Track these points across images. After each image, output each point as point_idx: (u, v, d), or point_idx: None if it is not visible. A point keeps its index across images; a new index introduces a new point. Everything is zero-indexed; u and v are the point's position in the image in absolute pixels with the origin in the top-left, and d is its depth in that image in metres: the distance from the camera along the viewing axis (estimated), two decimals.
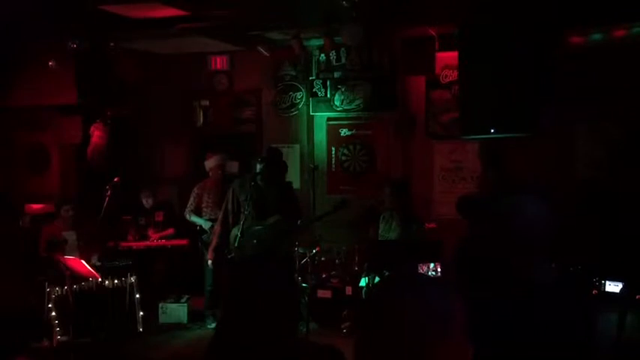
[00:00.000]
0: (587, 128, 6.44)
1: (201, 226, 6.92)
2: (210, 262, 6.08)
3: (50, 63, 6.64)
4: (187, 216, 7.05)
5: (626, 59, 6.21)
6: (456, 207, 3.53)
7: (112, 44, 7.08)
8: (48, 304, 5.91)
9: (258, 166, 5.54)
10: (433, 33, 7.08)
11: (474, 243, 2.36)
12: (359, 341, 1.36)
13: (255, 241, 5.46)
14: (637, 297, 4.12)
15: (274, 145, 6.51)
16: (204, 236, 6.88)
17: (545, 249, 2.14)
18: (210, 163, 7.02)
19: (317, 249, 6.78)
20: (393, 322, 1.31)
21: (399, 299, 1.35)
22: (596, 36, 6.55)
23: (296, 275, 6.11)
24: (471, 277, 2.65)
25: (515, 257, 2.06)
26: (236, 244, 5.36)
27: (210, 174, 7.04)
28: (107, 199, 6.29)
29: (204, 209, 7.00)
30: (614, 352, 3.60)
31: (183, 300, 6.99)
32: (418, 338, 1.27)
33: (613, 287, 4.33)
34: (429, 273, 4.27)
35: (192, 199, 7.07)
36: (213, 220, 6.77)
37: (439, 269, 4.23)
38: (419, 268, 4.21)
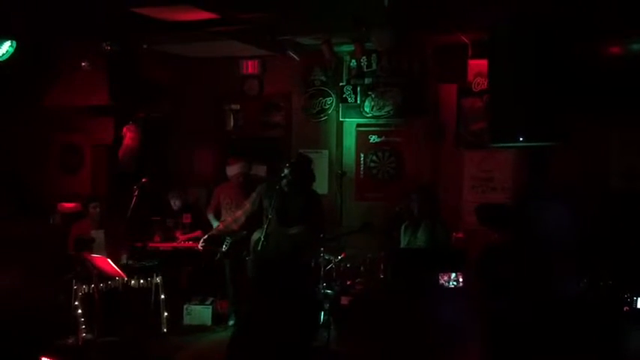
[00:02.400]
0: (622, 138, 6.27)
1: None
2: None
3: (83, 64, 6.76)
4: (207, 215, 7.18)
5: None
6: (476, 214, 3.45)
7: (144, 46, 7.17)
8: (74, 301, 5.98)
9: (285, 171, 5.48)
10: (466, 40, 6.99)
11: (497, 251, 2.30)
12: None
13: (275, 247, 5.41)
14: None
15: (304, 151, 6.49)
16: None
17: (570, 260, 2.07)
18: (231, 170, 7.05)
19: (342, 255, 6.74)
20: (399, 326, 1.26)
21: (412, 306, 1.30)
22: (636, 45, 6.39)
23: (318, 284, 6.07)
24: (492, 286, 2.58)
25: (538, 266, 1.99)
26: (259, 248, 5.32)
27: (231, 179, 7.08)
28: (135, 199, 6.35)
29: (223, 210, 7.07)
30: None
31: (208, 302, 7.01)
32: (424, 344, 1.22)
33: None
34: (451, 283, 4.18)
35: (212, 199, 7.23)
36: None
37: (461, 279, 4.14)
38: (440, 277, 4.13)
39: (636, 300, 4.27)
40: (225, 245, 6.83)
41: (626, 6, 5.35)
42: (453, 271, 4.07)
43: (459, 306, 1.21)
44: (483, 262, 2.91)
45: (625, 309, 4.28)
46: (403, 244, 5.79)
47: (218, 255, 6.78)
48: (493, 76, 5.60)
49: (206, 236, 6.14)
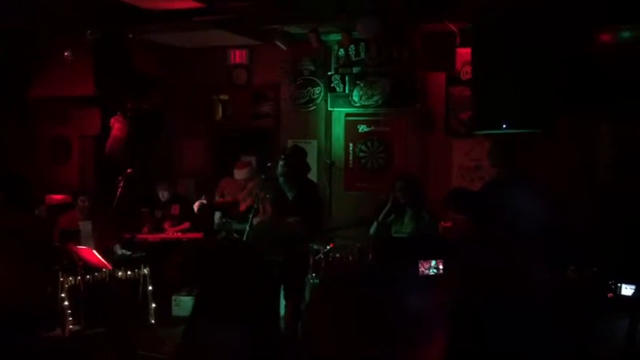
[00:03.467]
0: (609, 128, 6.25)
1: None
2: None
3: (66, 54, 6.70)
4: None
5: None
6: (444, 200, 3.42)
7: (130, 36, 7.11)
8: (61, 293, 5.96)
9: (280, 163, 5.42)
10: (454, 28, 6.94)
11: (470, 239, 2.28)
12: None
13: (265, 236, 5.39)
14: None
15: (293, 141, 6.45)
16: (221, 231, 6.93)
17: (547, 247, 2.04)
18: (239, 175, 6.99)
19: (331, 245, 6.72)
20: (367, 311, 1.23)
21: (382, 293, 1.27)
22: (626, 34, 6.35)
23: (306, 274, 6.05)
24: (469, 272, 2.57)
25: (507, 252, 1.97)
26: (244, 238, 5.31)
27: (236, 173, 7.05)
28: (120, 190, 6.32)
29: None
30: (625, 356, 3.46)
31: (195, 293, 6.99)
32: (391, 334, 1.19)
33: (629, 291, 4.17)
34: (430, 270, 4.17)
35: (217, 189, 7.20)
36: (227, 219, 6.88)
37: (441, 267, 4.12)
38: (420, 265, 4.12)
39: (620, 287, 4.29)
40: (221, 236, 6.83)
41: None
42: (433, 259, 4.07)
43: (435, 294, 1.19)
44: (459, 250, 2.89)
45: (609, 296, 4.30)
46: (392, 231, 5.77)
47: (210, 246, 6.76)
48: (477, 63, 5.58)
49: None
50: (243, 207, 6.13)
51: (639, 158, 5.77)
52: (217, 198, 7.18)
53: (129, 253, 6.57)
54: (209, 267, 2.01)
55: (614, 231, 4.92)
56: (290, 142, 6.77)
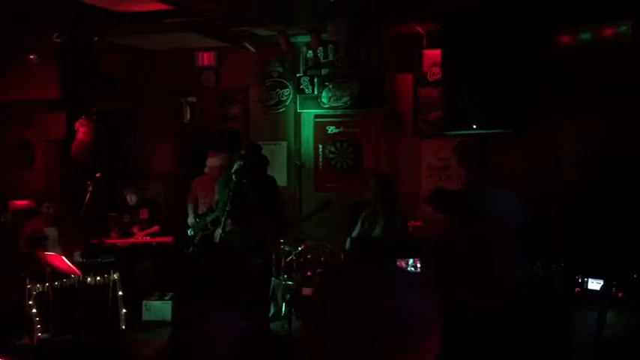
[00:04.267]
0: (573, 127, 6.42)
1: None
2: None
3: (31, 57, 6.57)
4: (188, 205, 7.12)
5: (613, 58, 6.19)
6: (426, 199, 3.49)
7: (96, 38, 7.00)
8: (29, 300, 5.83)
9: (239, 162, 5.45)
10: (421, 30, 7.05)
11: (450, 237, 2.32)
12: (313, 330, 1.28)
13: (239, 240, 5.39)
14: (617, 295, 4.11)
15: (262, 143, 6.46)
16: (189, 230, 6.89)
17: (522, 244, 2.10)
18: (212, 162, 6.95)
19: (303, 246, 6.74)
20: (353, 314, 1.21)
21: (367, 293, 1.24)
22: (585, 35, 6.53)
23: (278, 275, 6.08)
24: (447, 271, 2.61)
25: (490, 251, 2.02)
26: (219, 242, 5.31)
27: (207, 171, 7.00)
28: (88, 194, 6.22)
29: (200, 203, 7.04)
30: (594, 349, 3.57)
31: (167, 297, 6.92)
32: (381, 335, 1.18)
33: (595, 285, 4.30)
34: (408, 269, 4.24)
35: (191, 190, 7.17)
36: (200, 216, 6.86)
37: (418, 265, 4.20)
38: (397, 263, 4.18)
39: (587, 281, 4.42)
40: (197, 239, 6.78)
41: None
42: (411, 257, 4.13)
43: (416, 291, 1.22)
44: (436, 248, 2.93)
45: (576, 290, 4.42)
46: (362, 232, 5.82)
47: (190, 248, 6.71)
48: (447, 64, 5.67)
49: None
50: None
51: (602, 155, 5.94)
52: (191, 198, 7.13)
53: (90, 259, 6.44)
54: (188, 275, 2.01)
55: (581, 227, 5.06)
56: (260, 144, 6.75)
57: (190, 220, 6.94)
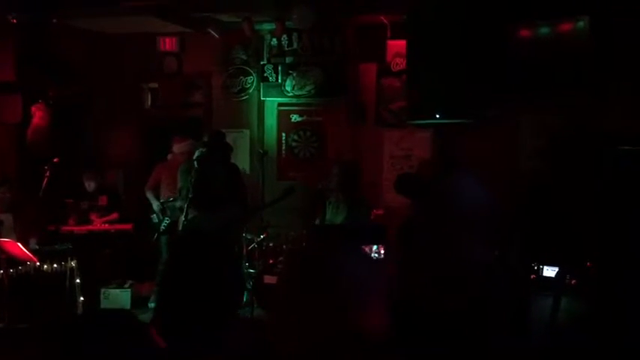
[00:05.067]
0: (531, 119, 6.57)
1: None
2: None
3: None
4: (146, 192, 7.05)
5: (571, 52, 6.34)
6: (394, 185, 3.52)
7: (54, 21, 6.81)
8: None
9: (202, 150, 5.42)
10: (385, 20, 7.09)
11: (416, 222, 2.36)
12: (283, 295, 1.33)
13: (203, 227, 5.37)
14: (571, 282, 4.24)
15: (225, 131, 6.42)
16: (153, 216, 6.81)
17: (486, 229, 2.15)
18: (179, 148, 6.87)
19: (265, 235, 6.74)
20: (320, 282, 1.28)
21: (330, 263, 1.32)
22: (544, 29, 6.66)
23: (241, 261, 6.07)
24: (412, 255, 2.66)
25: (455, 234, 2.06)
26: (180, 229, 5.28)
27: (171, 157, 6.93)
28: (45, 179, 6.08)
29: (163, 189, 6.96)
30: (548, 334, 3.69)
31: (126, 285, 6.84)
32: (342, 301, 1.25)
33: (550, 272, 4.43)
34: (372, 255, 4.30)
35: (151, 176, 7.08)
36: (166, 202, 6.82)
37: (382, 251, 4.25)
38: (362, 249, 4.21)
39: (542, 268, 4.55)
40: (164, 226, 6.71)
41: None
42: (375, 244, 4.18)
43: (377, 275, 1.25)
44: (401, 234, 2.98)
45: (532, 277, 4.55)
46: (326, 219, 5.85)
47: (155, 235, 6.64)
48: (411, 54, 5.72)
49: None
50: None
51: (558, 147, 6.10)
52: (151, 184, 7.06)
53: (46, 246, 6.31)
54: (177, 258, 2.01)
55: (537, 216, 5.19)
56: (223, 131, 6.69)
57: (155, 205, 6.88)
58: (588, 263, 4.52)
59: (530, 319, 3.37)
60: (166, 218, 6.65)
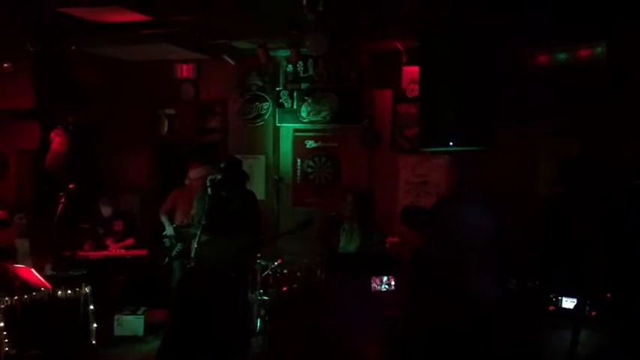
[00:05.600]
0: (547, 146, 6.48)
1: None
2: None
3: (5, 65, 6.46)
4: (160, 216, 7.05)
5: (588, 78, 6.27)
6: (400, 217, 3.47)
7: (72, 48, 6.91)
8: None
9: (218, 176, 5.42)
10: (400, 47, 7.09)
11: (422, 255, 2.30)
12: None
13: (216, 254, 5.34)
14: (590, 313, 4.12)
15: (241, 157, 6.43)
16: (166, 240, 6.81)
17: (494, 262, 2.08)
18: (194, 174, 6.87)
19: (279, 261, 6.67)
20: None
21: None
22: (561, 55, 6.62)
23: (250, 292, 6.02)
24: (421, 289, 2.58)
25: (459, 269, 1.99)
26: (193, 255, 5.24)
27: (188, 183, 6.93)
28: (61, 205, 6.11)
29: (179, 215, 6.96)
30: None
31: (139, 312, 6.79)
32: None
33: (569, 303, 4.31)
34: (382, 286, 4.21)
35: (167, 200, 7.09)
36: (180, 227, 6.83)
37: (392, 283, 4.17)
38: (372, 280, 4.15)
39: (561, 300, 4.42)
40: (176, 251, 6.71)
41: (553, 17, 5.54)
42: (385, 275, 4.10)
43: (388, 309, 1.21)
44: (412, 265, 2.91)
45: (550, 308, 4.43)
46: (340, 246, 5.80)
47: (166, 259, 6.62)
48: (424, 81, 5.70)
49: None
50: None
51: (577, 174, 5.99)
52: (165, 208, 7.06)
53: (61, 272, 6.31)
54: (186, 291, 2.00)
55: (555, 245, 5.08)
56: (239, 158, 6.70)
57: (169, 230, 6.88)
58: (608, 294, 4.39)
59: (547, 353, 3.25)
60: (179, 244, 6.64)
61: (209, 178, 5.45)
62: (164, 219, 7.04)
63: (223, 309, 2.00)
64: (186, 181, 7.06)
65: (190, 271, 5.05)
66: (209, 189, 5.40)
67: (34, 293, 5.87)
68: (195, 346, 1.90)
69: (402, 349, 1.92)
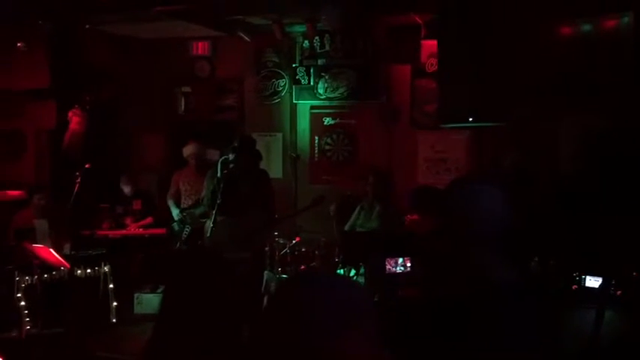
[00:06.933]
0: (570, 121, 6.30)
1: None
2: None
3: (19, 44, 6.44)
4: (167, 201, 7.08)
5: (613, 50, 6.06)
6: (408, 200, 3.38)
7: (87, 26, 6.86)
8: (17, 293, 5.74)
9: (231, 155, 5.36)
10: (419, 20, 6.91)
11: (434, 237, 2.22)
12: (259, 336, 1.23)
13: (229, 233, 5.31)
14: (616, 293, 4.01)
15: (257, 135, 6.38)
16: (174, 225, 6.83)
17: (509, 245, 1.99)
18: (185, 151, 7.04)
19: (297, 239, 6.64)
20: (290, 318, 1.18)
21: (298, 296, 1.22)
22: (585, 26, 6.39)
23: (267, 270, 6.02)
24: (432, 271, 2.52)
25: (470, 251, 1.90)
26: (208, 235, 5.22)
27: (187, 160, 6.99)
28: (77, 185, 6.12)
29: (183, 197, 6.99)
30: (590, 349, 3.48)
31: (159, 290, 6.82)
32: (317, 337, 1.14)
33: (593, 282, 4.20)
34: (397, 268, 4.14)
35: (171, 184, 7.13)
36: (186, 209, 6.87)
37: (408, 264, 4.10)
38: (387, 262, 4.08)
39: (584, 278, 4.31)
40: (185, 233, 6.71)
41: None
42: (400, 256, 4.03)
43: (346, 295, 1.17)
44: (423, 248, 2.84)
45: (573, 288, 4.32)
46: (357, 224, 5.76)
47: (177, 243, 6.64)
48: (443, 55, 5.55)
49: None
50: None
51: (601, 150, 5.83)
52: (172, 192, 7.08)
53: (74, 252, 6.34)
54: (173, 276, 1.95)
55: (580, 223, 4.95)
56: (256, 136, 6.64)
57: (175, 214, 6.90)
58: (635, 272, 4.26)
59: (570, 335, 3.17)
60: (187, 227, 6.65)
61: (221, 159, 5.40)
62: (170, 203, 7.08)
63: (238, 290, 1.95)
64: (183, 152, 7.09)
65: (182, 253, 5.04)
66: (219, 169, 5.35)
67: (53, 272, 5.93)
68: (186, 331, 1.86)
69: (418, 331, 1.86)
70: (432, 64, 7.05)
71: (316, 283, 1.25)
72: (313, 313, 1.15)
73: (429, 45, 6.96)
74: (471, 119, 5.15)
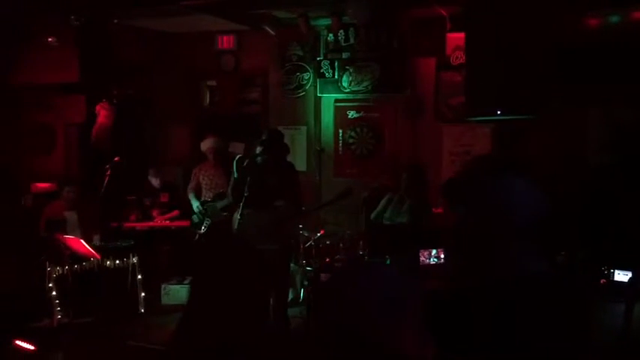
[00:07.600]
0: (600, 112, 6.23)
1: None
2: None
3: (50, 39, 6.54)
4: (188, 194, 7.18)
5: None
6: (441, 191, 3.38)
7: (115, 21, 6.95)
8: (48, 283, 5.87)
9: (259, 149, 5.41)
10: (444, 13, 6.88)
11: (464, 228, 2.23)
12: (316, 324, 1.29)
13: (256, 226, 5.36)
14: None
15: (282, 128, 6.41)
16: (194, 217, 6.93)
17: (538, 236, 1.99)
18: (203, 145, 7.12)
19: (321, 232, 6.69)
20: (339, 305, 1.22)
21: (345, 284, 1.26)
22: (613, 18, 6.31)
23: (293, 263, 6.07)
24: (464, 262, 2.53)
25: (502, 242, 1.91)
26: (236, 227, 5.28)
27: (206, 154, 7.09)
28: (107, 178, 6.23)
29: (204, 190, 7.08)
30: (620, 343, 3.46)
31: (186, 281, 6.92)
32: (365, 322, 1.17)
33: (622, 277, 4.17)
34: (431, 260, 4.16)
35: (191, 178, 7.23)
36: (206, 202, 6.97)
37: (441, 256, 4.11)
38: (420, 254, 4.09)
39: (613, 273, 4.28)
40: (205, 226, 6.79)
41: None
42: (434, 248, 4.05)
43: (391, 282, 1.19)
44: (454, 239, 2.85)
45: (602, 282, 4.30)
46: (385, 217, 5.77)
47: (197, 236, 6.73)
48: (470, 48, 5.52)
49: None
50: None
51: (629, 142, 5.77)
52: (192, 186, 7.16)
53: (109, 243, 6.46)
54: (201, 261, 1.97)
55: (609, 215, 4.92)
56: (280, 129, 6.68)
57: (195, 206, 6.98)
58: None
59: (598, 329, 3.15)
60: (207, 219, 6.73)
61: (236, 157, 5.49)
62: (191, 196, 7.15)
63: (265, 281, 1.97)
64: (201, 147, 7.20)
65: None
66: (235, 168, 5.43)
67: (83, 263, 6.05)
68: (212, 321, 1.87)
69: (447, 324, 1.89)
70: (457, 57, 7.02)
71: (370, 271, 1.28)
72: (369, 300, 1.18)
73: (455, 38, 6.92)
74: (499, 112, 5.12)
